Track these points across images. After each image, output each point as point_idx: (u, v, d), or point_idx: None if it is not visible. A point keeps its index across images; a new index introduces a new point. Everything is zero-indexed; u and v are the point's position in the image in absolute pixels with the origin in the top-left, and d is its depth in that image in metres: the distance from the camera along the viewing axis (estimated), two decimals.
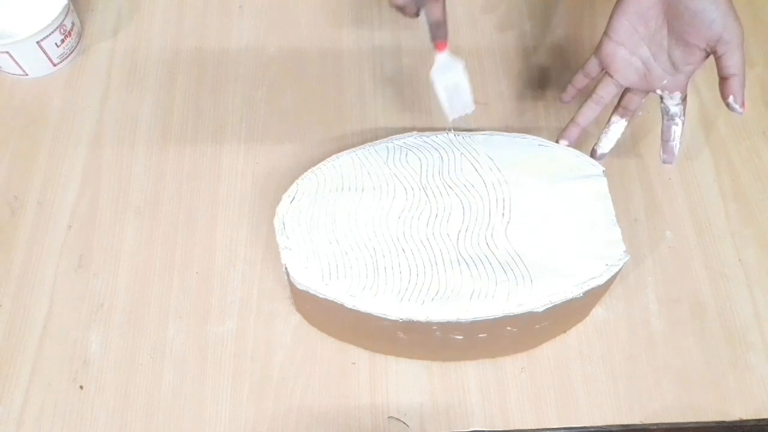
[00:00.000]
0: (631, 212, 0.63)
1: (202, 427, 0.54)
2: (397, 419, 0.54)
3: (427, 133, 0.58)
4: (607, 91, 0.58)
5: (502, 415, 0.55)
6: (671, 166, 0.60)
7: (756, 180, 0.65)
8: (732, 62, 0.52)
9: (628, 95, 0.58)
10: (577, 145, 0.59)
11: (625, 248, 0.52)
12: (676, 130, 0.57)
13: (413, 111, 0.68)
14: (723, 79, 0.53)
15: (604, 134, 0.59)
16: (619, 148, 0.63)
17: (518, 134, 0.58)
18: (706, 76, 0.53)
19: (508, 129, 0.66)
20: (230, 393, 0.55)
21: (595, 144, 0.60)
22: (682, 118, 0.57)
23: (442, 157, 0.56)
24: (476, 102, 0.57)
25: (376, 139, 0.58)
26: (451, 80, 0.55)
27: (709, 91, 0.69)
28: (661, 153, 0.59)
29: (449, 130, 0.58)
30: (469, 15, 0.75)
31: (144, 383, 0.55)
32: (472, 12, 0.75)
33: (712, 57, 0.53)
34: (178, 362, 0.56)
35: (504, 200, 0.54)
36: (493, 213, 0.53)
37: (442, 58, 0.55)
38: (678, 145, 0.58)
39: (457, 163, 0.56)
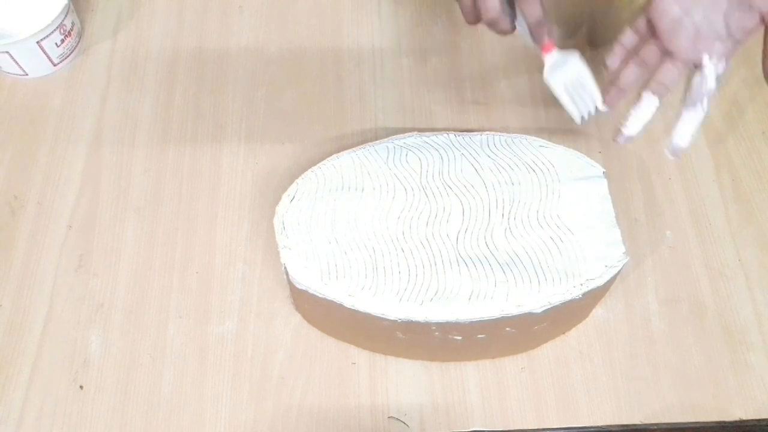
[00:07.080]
0: (631, 212, 0.63)
1: (202, 427, 0.54)
2: (397, 419, 0.54)
3: (427, 133, 0.58)
4: (650, 54, 0.52)
5: (502, 415, 0.55)
6: (675, 161, 0.56)
7: (756, 180, 0.65)
8: None
9: (667, 66, 0.52)
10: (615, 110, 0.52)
11: (624, 249, 0.52)
12: (697, 117, 0.52)
13: (413, 111, 0.68)
14: None
15: (632, 113, 0.53)
16: (619, 148, 0.62)
17: (518, 134, 0.58)
18: None
19: (508, 129, 0.66)
20: (230, 393, 0.55)
21: (621, 125, 0.54)
22: (709, 103, 0.51)
23: (442, 158, 0.56)
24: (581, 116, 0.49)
25: (376, 139, 0.58)
26: (569, 76, 0.48)
27: None
28: (672, 141, 0.52)
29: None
30: None
31: (144, 383, 0.55)
32: None
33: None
34: (178, 362, 0.56)
35: (504, 201, 0.54)
36: (493, 213, 0.53)
37: (552, 57, 0.49)
38: (693, 135, 0.52)
39: (457, 163, 0.56)
